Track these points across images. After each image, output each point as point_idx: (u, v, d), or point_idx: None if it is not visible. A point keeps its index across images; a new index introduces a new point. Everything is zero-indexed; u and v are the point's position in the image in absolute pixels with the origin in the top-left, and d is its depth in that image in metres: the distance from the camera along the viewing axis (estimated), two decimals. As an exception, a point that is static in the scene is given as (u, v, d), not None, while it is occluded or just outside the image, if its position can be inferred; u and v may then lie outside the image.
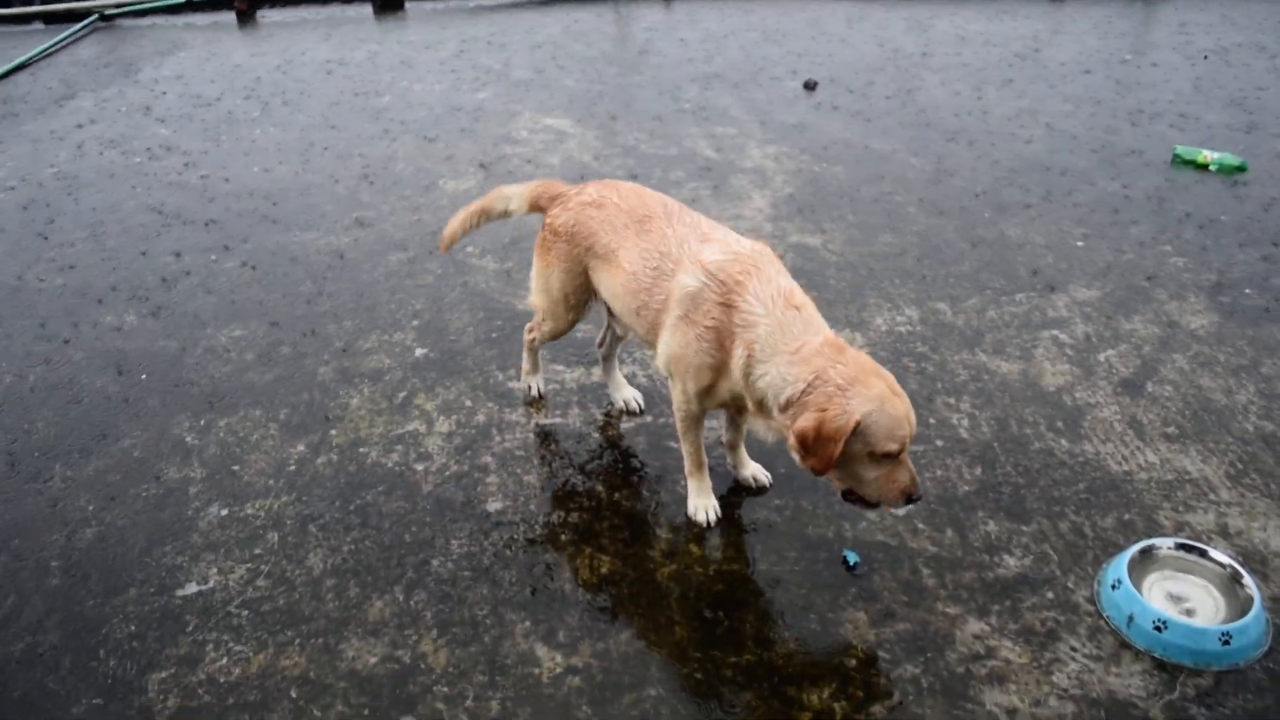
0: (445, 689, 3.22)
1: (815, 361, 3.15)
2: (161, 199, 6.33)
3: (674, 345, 3.50)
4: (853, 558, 3.65)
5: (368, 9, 10.76)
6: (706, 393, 3.54)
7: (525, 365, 4.50)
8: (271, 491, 4.03)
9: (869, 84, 8.15)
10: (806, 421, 3.09)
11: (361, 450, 4.22)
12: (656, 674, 3.25)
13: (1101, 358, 4.77)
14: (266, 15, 10.56)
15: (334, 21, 10.25)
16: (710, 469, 3.91)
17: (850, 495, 3.29)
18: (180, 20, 10.32)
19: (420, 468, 4.13)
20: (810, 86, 8.07)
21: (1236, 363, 4.75)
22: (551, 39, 9.36)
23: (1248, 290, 5.31)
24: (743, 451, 4.02)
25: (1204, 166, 6.69)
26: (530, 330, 4.33)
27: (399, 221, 6.05)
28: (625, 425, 4.36)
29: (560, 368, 4.69)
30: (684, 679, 3.24)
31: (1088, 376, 4.64)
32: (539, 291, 4.09)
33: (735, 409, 3.63)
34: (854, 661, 3.29)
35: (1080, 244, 5.77)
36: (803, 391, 3.13)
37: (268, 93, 8.03)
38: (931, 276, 5.44)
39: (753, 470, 4.03)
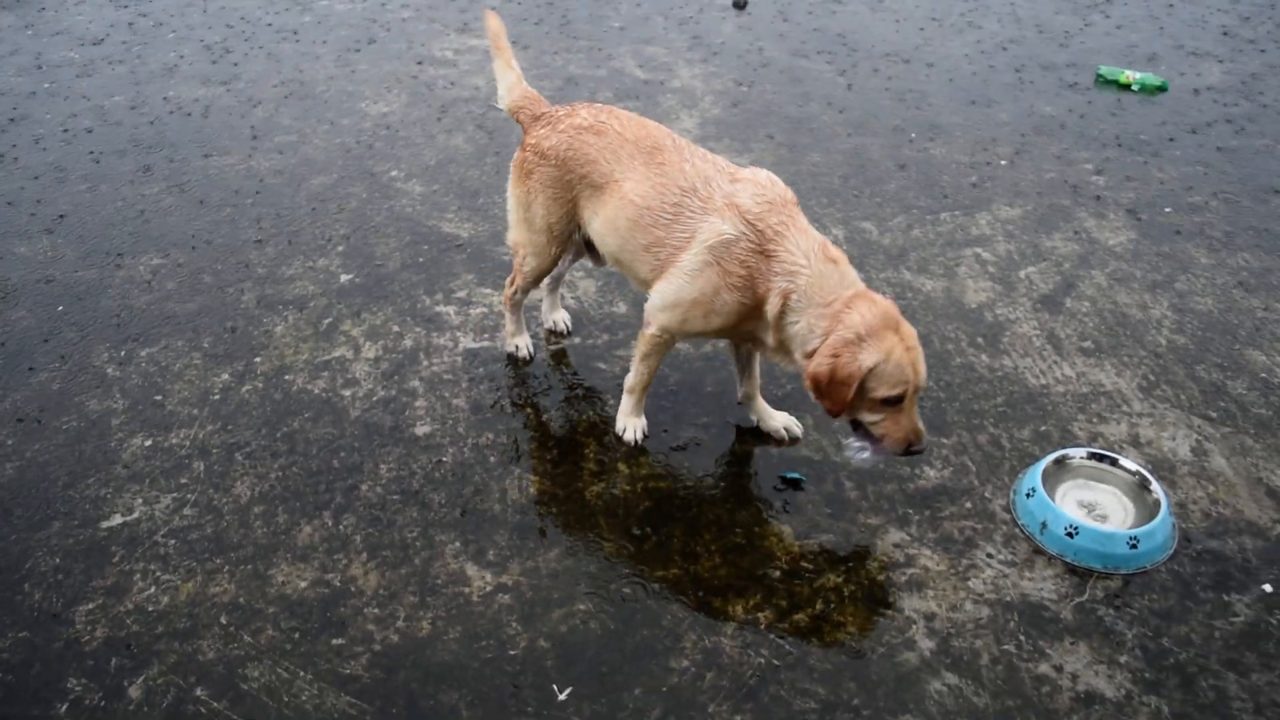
0: (376, 610, 3.25)
1: (842, 315, 3.23)
2: (74, 124, 6.11)
3: (692, 290, 3.41)
4: (793, 475, 3.72)
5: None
6: (718, 330, 3.52)
7: (509, 325, 4.23)
8: (196, 421, 3.98)
9: (798, 3, 8.09)
10: (820, 366, 3.21)
11: (287, 377, 4.18)
12: (585, 590, 3.31)
13: (1022, 275, 4.86)
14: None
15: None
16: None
17: (859, 427, 3.40)
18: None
19: (347, 393, 4.10)
20: (740, 5, 7.99)
21: (1152, 278, 4.87)
22: (477, -43, 9.14)
23: (1166, 209, 5.42)
24: (761, 400, 3.93)
25: (1126, 86, 6.77)
26: (510, 283, 4.07)
27: (321, 144, 5.92)
28: (553, 347, 4.36)
29: (488, 290, 4.66)
30: (612, 594, 3.30)
31: (1009, 293, 4.73)
32: (518, 224, 3.88)
33: (749, 340, 3.58)
34: (778, 573, 3.38)
35: (1004, 163, 5.84)
36: (822, 339, 3.25)
37: (184, 12, 7.75)
38: (858, 196, 5.48)
39: (783, 420, 3.93)
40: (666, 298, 3.49)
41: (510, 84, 3.97)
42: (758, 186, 3.40)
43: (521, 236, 3.90)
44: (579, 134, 3.63)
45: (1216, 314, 4.62)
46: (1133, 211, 5.39)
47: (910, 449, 3.33)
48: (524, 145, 3.79)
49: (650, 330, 3.62)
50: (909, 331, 3.25)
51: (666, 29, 7.55)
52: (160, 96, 6.45)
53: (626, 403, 3.87)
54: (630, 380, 3.82)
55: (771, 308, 3.33)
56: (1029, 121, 6.30)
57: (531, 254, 3.90)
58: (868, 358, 3.17)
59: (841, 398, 3.21)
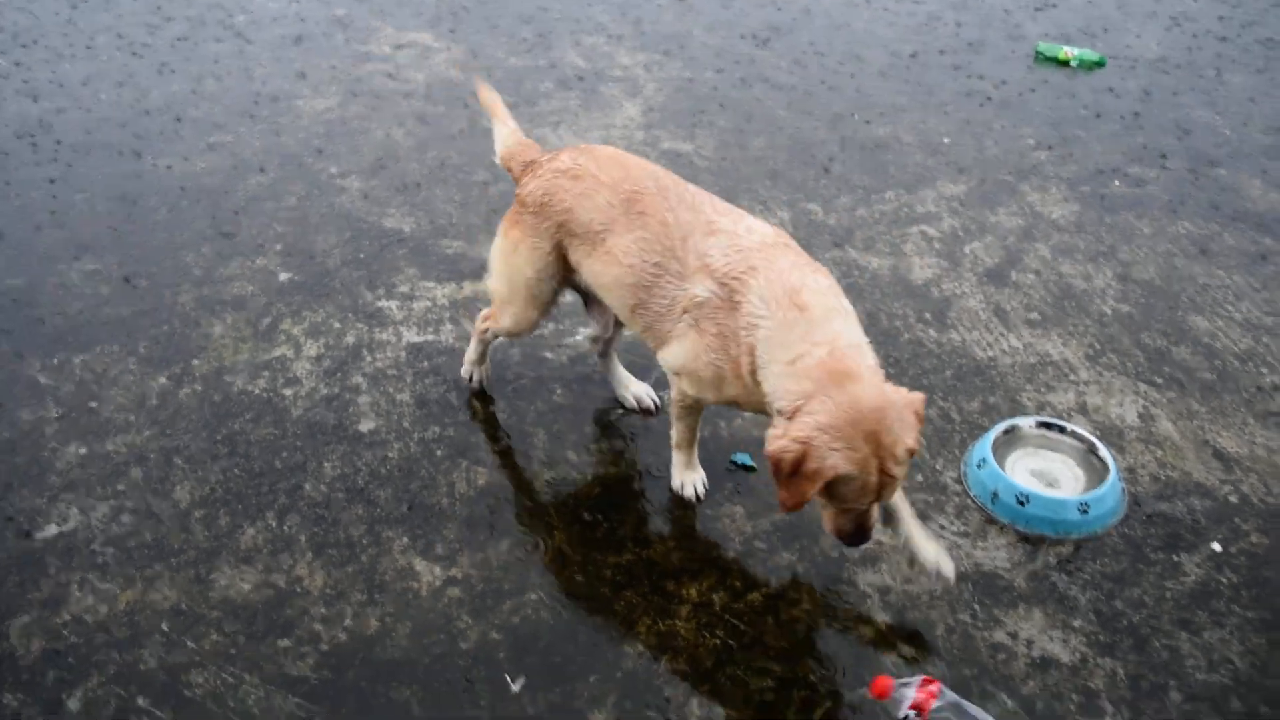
0: (323, 609, 3.18)
1: (812, 381, 2.83)
2: None
3: (683, 355, 3.18)
4: (743, 459, 3.69)
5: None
6: (732, 400, 3.22)
7: (471, 353, 3.99)
8: (133, 426, 3.88)
9: (739, -10, 8.07)
10: (786, 449, 2.76)
11: (226, 379, 4.09)
12: (537, 580, 3.26)
13: (967, 250, 4.87)
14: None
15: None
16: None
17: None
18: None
19: (289, 393, 4.02)
20: (680, -6, 7.95)
21: (1095, 249, 4.90)
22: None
23: (1107, 181, 5.46)
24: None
25: (1065, 63, 6.81)
26: (484, 319, 3.83)
27: (257, 144, 5.80)
28: (499, 339, 4.30)
29: (430, 284, 4.59)
30: (564, 582, 3.25)
31: (954, 268, 4.74)
32: (498, 274, 3.65)
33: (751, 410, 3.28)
34: (732, 554, 3.35)
35: (947, 140, 5.85)
36: (795, 410, 2.82)
37: (113, 10, 7.58)
38: (802, 178, 5.47)
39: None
40: (671, 364, 3.27)
41: (504, 135, 3.72)
42: (732, 237, 3.12)
43: (499, 285, 3.68)
44: (556, 178, 3.40)
45: (1159, 282, 4.66)
46: (1074, 184, 5.42)
47: (845, 542, 2.99)
48: (516, 197, 3.57)
49: (673, 393, 3.40)
50: (889, 428, 2.76)
51: (607, 17, 7.50)
52: (86, 100, 6.30)
53: (677, 458, 3.59)
54: (673, 438, 3.55)
55: (744, 365, 3.02)
56: (970, 100, 6.32)
57: (508, 308, 3.66)
58: (839, 461, 2.73)
59: (801, 492, 2.79)
